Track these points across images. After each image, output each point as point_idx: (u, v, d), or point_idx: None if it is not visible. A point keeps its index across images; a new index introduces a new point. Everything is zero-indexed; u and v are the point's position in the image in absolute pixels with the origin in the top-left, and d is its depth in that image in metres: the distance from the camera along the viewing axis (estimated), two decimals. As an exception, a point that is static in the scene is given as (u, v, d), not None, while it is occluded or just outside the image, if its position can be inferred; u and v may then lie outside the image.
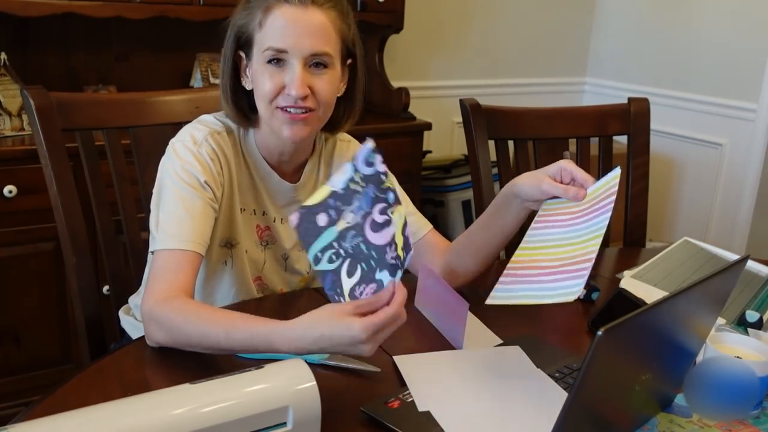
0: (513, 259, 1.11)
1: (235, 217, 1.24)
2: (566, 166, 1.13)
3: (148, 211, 1.25)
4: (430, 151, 2.94)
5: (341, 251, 0.93)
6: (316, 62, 1.15)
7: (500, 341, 1.15)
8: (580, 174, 1.12)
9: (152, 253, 1.13)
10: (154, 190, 1.19)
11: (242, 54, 1.20)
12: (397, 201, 0.93)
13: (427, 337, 1.17)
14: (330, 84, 1.17)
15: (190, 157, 1.16)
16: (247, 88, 1.21)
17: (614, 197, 1.04)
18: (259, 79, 1.16)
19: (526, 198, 1.16)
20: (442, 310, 1.17)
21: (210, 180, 1.17)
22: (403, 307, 0.91)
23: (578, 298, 1.31)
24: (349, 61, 1.23)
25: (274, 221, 1.30)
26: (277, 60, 1.14)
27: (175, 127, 1.27)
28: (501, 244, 1.25)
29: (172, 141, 1.20)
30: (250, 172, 1.26)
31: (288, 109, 1.15)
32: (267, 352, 0.96)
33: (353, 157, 0.93)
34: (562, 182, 1.13)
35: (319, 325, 0.90)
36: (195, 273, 1.11)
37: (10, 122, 2.09)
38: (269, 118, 1.18)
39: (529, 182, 1.15)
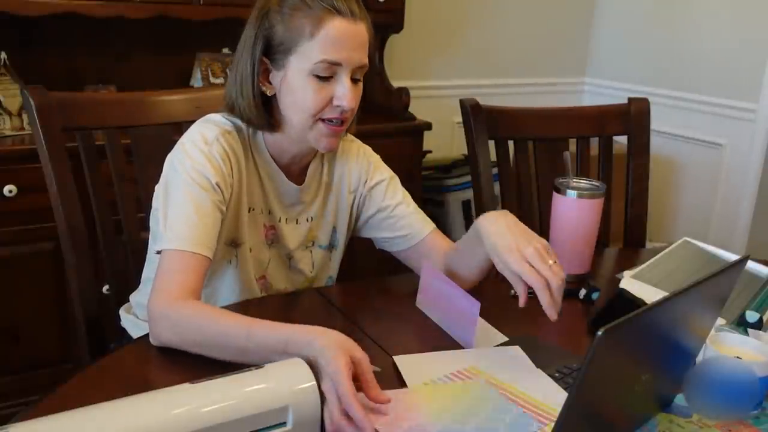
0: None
1: (242, 216, 1.24)
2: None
3: (148, 211, 1.25)
4: (430, 151, 2.94)
5: None
6: (357, 76, 1.17)
7: (505, 338, 1.15)
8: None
9: (157, 252, 1.12)
10: (159, 187, 1.18)
11: (266, 59, 1.18)
12: None
13: (428, 337, 1.17)
14: (360, 93, 1.19)
15: (201, 157, 1.15)
16: (268, 94, 1.20)
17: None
18: (301, 90, 1.15)
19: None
20: (450, 310, 1.17)
21: (221, 181, 1.16)
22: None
23: (578, 298, 1.33)
24: None
25: (279, 221, 1.29)
26: (327, 75, 1.14)
27: (175, 127, 1.27)
28: (486, 267, 1.23)
29: (182, 140, 1.19)
30: (258, 171, 1.25)
31: (331, 121, 1.17)
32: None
33: None
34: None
35: (334, 353, 0.87)
36: (203, 277, 1.11)
37: (10, 122, 2.09)
38: (306, 128, 1.18)
39: (500, 249, 1.10)
